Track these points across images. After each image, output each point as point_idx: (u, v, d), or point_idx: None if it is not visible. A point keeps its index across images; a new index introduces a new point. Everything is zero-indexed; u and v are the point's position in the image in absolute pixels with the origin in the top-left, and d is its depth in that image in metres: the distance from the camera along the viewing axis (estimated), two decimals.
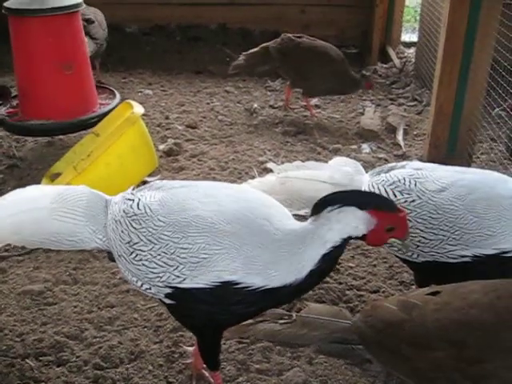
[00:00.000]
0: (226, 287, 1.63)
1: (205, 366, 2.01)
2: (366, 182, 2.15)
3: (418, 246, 1.99)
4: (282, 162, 3.37)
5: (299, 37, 4.28)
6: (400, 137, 4.04)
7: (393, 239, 1.72)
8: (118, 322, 2.36)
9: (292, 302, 2.34)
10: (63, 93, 3.64)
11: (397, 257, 2.18)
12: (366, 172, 2.26)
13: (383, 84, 5.09)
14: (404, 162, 2.23)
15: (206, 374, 2.09)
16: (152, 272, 1.70)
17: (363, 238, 1.67)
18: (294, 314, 1.93)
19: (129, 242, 1.74)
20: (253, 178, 3.12)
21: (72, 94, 3.68)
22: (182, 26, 6.01)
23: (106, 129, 3.32)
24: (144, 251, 1.71)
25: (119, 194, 1.90)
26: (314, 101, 4.66)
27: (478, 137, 3.58)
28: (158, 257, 1.68)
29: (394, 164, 2.23)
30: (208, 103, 4.69)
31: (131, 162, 3.12)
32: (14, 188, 1.97)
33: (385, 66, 5.47)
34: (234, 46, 5.69)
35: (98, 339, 2.26)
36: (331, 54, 4.21)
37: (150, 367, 2.14)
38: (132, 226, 1.74)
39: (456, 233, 1.92)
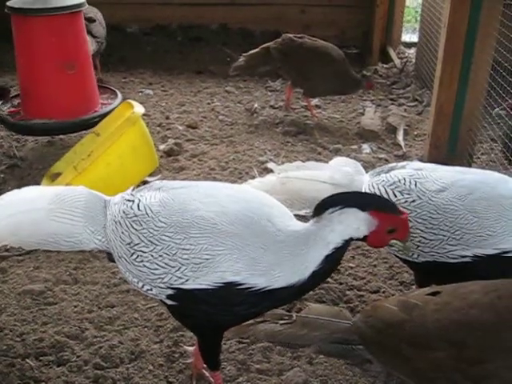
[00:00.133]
0: (229, 288, 1.63)
1: (205, 365, 2.02)
2: (366, 182, 2.15)
3: (419, 246, 1.99)
4: (283, 162, 3.37)
5: (300, 37, 4.28)
6: (400, 137, 4.04)
7: (394, 241, 1.72)
8: (118, 322, 2.36)
9: (292, 303, 2.34)
10: (65, 92, 3.65)
11: (397, 257, 2.18)
12: (367, 172, 2.26)
13: (384, 84, 5.09)
14: (404, 163, 2.23)
15: (207, 373, 2.09)
16: (153, 273, 1.70)
17: (364, 239, 1.67)
18: (294, 315, 1.93)
19: (129, 244, 1.73)
20: (253, 178, 3.13)
21: (74, 94, 3.68)
22: (183, 26, 6.02)
23: (107, 129, 3.32)
24: (145, 252, 1.70)
25: (119, 194, 1.90)
26: (315, 101, 4.66)
27: (479, 137, 3.58)
28: (160, 258, 1.68)
29: (394, 164, 2.23)
30: (208, 103, 4.69)
31: (131, 162, 3.12)
32: (15, 188, 1.96)
33: (385, 66, 5.47)
34: (234, 46, 5.70)
35: (98, 339, 2.26)
36: (332, 54, 4.21)
37: (151, 367, 2.14)
38: (132, 227, 1.73)
39: (456, 233, 1.92)
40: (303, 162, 2.41)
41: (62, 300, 2.48)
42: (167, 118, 4.35)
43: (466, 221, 1.91)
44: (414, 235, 1.95)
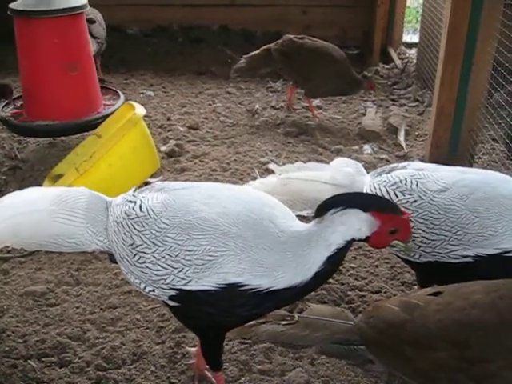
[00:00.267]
0: (232, 289, 1.63)
1: (207, 366, 2.02)
2: (367, 182, 2.15)
3: (420, 247, 1.99)
4: (284, 163, 3.38)
5: (301, 38, 4.28)
6: (401, 137, 4.04)
7: (395, 241, 1.72)
8: (120, 323, 2.36)
9: (294, 303, 2.34)
10: (68, 94, 3.65)
11: (399, 257, 2.18)
12: (368, 173, 2.26)
13: (385, 85, 5.09)
14: (405, 163, 2.23)
15: (209, 374, 2.09)
16: (156, 274, 1.70)
17: (366, 240, 1.67)
18: (296, 315, 1.93)
19: (131, 245, 1.73)
20: (254, 179, 3.13)
21: (77, 95, 3.69)
22: (184, 27, 6.02)
23: (108, 130, 3.33)
24: (147, 253, 1.70)
25: (120, 195, 1.90)
26: (316, 102, 4.66)
27: (480, 137, 3.58)
28: (162, 259, 1.68)
29: (395, 165, 2.23)
30: (210, 104, 4.69)
31: (133, 163, 3.13)
32: (16, 189, 1.96)
33: (386, 66, 5.47)
34: (235, 47, 5.70)
35: (100, 340, 2.27)
36: (334, 54, 4.20)
37: (153, 368, 2.14)
38: (135, 228, 1.73)
39: (458, 233, 1.92)
40: (304, 162, 2.42)
41: (64, 301, 2.48)
42: (168, 119, 4.36)
43: (468, 221, 1.91)
44: (416, 235, 1.95)
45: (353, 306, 2.44)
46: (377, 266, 2.72)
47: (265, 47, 4.33)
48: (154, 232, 1.70)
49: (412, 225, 1.86)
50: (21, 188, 1.96)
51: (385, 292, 2.54)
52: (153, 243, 1.70)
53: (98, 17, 4.69)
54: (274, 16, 5.88)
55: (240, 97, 4.88)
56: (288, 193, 2.18)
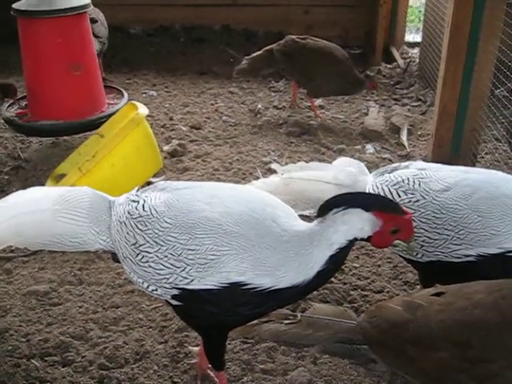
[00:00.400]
0: (234, 288, 1.63)
1: (210, 366, 2.02)
2: (369, 182, 2.15)
3: (423, 246, 1.99)
4: (286, 163, 3.38)
5: (303, 38, 4.28)
6: (404, 137, 4.04)
7: (398, 241, 1.72)
8: (123, 323, 2.36)
9: (297, 303, 2.34)
10: (72, 93, 3.66)
11: (401, 257, 2.18)
12: (370, 172, 2.26)
13: (387, 84, 5.09)
14: (408, 162, 2.23)
15: (211, 374, 2.09)
16: (159, 274, 1.70)
17: (368, 239, 1.67)
18: (298, 315, 1.93)
19: (134, 244, 1.74)
20: (257, 178, 3.13)
21: (81, 95, 3.70)
22: (186, 27, 6.02)
23: (111, 130, 3.34)
24: (150, 253, 1.71)
25: (123, 194, 1.91)
26: (318, 101, 4.66)
27: (482, 137, 3.57)
28: (165, 258, 1.68)
29: (397, 164, 2.23)
30: (212, 104, 4.70)
31: (136, 163, 3.13)
32: (19, 189, 1.97)
33: (389, 66, 5.47)
34: (237, 46, 5.70)
35: (103, 339, 2.27)
36: (336, 54, 4.20)
37: (155, 367, 2.15)
38: (137, 227, 1.74)
39: (460, 232, 1.92)
40: (307, 162, 2.42)
41: (67, 301, 2.49)
42: (171, 118, 4.36)
43: (470, 220, 1.91)
44: (418, 235, 1.95)
45: (355, 305, 2.44)
46: (379, 266, 2.72)
47: (267, 48, 4.33)
48: (156, 231, 1.70)
49: (414, 224, 1.86)
50: (24, 188, 1.96)
51: (387, 292, 2.54)
52: (155, 242, 1.70)
53: (99, 16, 4.70)
54: (276, 16, 5.88)
55: (242, 96, 4.88)
56: (290, 192, 2.18)
